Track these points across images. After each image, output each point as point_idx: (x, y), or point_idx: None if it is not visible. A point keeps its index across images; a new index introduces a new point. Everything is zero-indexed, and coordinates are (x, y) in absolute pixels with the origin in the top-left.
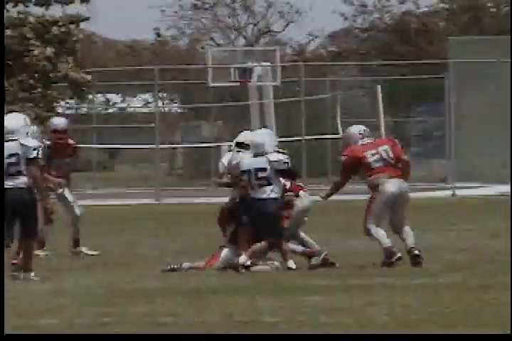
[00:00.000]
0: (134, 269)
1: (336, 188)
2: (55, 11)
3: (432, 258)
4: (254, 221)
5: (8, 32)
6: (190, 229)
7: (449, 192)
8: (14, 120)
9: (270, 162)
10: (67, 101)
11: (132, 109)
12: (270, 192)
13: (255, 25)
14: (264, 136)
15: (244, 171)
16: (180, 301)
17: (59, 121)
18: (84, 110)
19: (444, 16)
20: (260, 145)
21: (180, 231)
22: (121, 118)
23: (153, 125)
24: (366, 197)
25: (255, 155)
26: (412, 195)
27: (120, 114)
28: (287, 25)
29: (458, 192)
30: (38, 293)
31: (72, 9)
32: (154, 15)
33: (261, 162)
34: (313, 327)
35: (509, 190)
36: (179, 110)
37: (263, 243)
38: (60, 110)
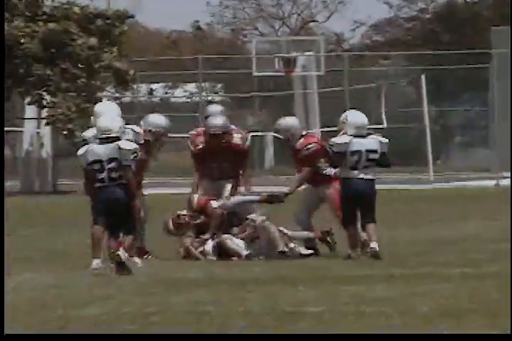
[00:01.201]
0: (177, 258)
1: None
2: (100, 2)
3: (474, 247)
4: (358, 200)
5: (51, 25)
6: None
7: (493, 182)
8: (111, 119)
9: (381, 143)
10: (111, 90)
11: (176, 98)
12: (375, 173)
13: (299, 14)
14: (365, 117)
15: (355, 151)
16: (223, 291)
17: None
18: (128, 99)
19: (488, 6)
20: (364, 127)
21: None
22: (165, 107)
23: (197, 114)
24: (406, 186)
25: (359, 137)
26: (456, 184)
27: (164, 103)
28: (331, 15)
29: (502, 182)
30: (84, 283)
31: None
32: (199, 5)
33: (373, 143)
34: (356, 316)
35: None
36: (223, 100)
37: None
38: (104, 99)
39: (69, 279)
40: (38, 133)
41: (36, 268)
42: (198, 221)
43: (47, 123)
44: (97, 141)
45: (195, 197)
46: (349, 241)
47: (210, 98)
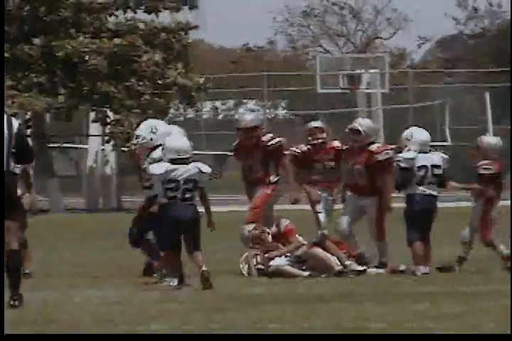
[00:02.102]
0: (242, 275)
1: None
2: (164, 17)
3: None
4: (423, 215)
5: (117, 40)
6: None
7: None
8: (183, 140)
9: (443, 159)
10: (176, 108)
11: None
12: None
13: (364, 32)
14: (428, 134)
15: (421, 166)
16: (287, 308)
17: (316, 123)
18: (192, 116)
19: None
20: (428, 144)
21: None
22: (229, 124)
23: None
24: (470, 203)
25: (423, 153)
26: None
27: (228, 120)
28: (396, 32)
29: None
30: (147, 299)
31: (181, 16)
32: (265, 21)
33: (437, 159)
34: (420, 333)
35: None
36: (287, 117)
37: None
38: (170, 115)
39: (133, 294)
40: (102, 150)
41: (101, 284)
42: (271, 244)
43: (107, 141)
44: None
45: (285, 221)
46: (414, 258)
47: (272, 115)
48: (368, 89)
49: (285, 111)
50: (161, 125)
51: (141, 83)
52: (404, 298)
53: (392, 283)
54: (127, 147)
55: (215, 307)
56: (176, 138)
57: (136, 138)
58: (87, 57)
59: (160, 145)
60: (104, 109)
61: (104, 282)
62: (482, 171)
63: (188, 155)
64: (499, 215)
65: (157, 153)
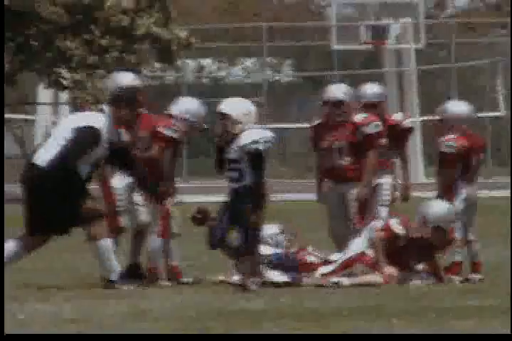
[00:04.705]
0: (234, 285)
1: None
2: None
3: None
4: None
5: None
6: (305, 235)
7: None
8: None
9: None
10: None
11: (232, 78)
12: None
13: None
14: None
15: None
16: (294, 326)
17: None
18: (171, 79)
19: None
20: None
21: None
22: (218, 89)
23: (257, 99)
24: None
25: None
26: None
27: (216, 84)
28: None
29: None
30: (110, 316)
31: None
32: None
33: None
34: None
35: None
36: (293, 80)
37: None
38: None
39: (93, 310)
40: (54, 123)
41: (51, 296)
42: None
43: (75, 109)
44: None
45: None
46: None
47: (276, 78)
48: (397, 44)
49: (291, 72)
50: None
51: (106, 36)
52: (443, 313)
53: (426, 294)
54: None
55: (200, 326)
56: None
57: None
58: (39, 5)
59: None
60: (59, 69)
61: (56, 294)
62: None
63: None
64: None
65: None
